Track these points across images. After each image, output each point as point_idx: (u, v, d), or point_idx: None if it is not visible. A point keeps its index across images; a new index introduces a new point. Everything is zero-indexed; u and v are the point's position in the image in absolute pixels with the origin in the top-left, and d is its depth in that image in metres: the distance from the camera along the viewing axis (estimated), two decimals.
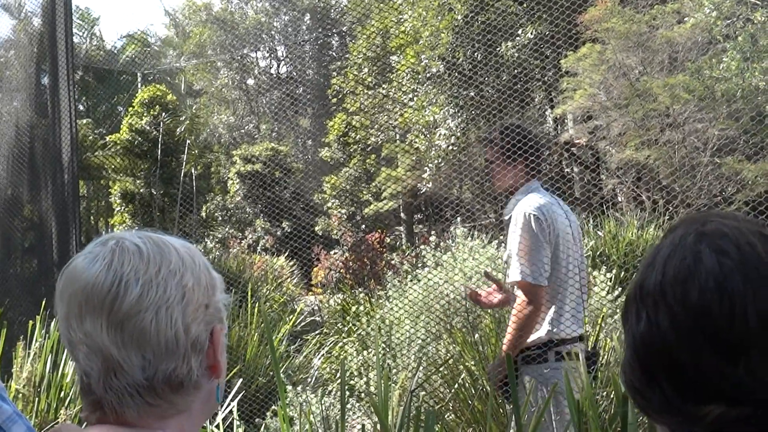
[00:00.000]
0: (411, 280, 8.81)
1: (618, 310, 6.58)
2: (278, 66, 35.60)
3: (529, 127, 4.81)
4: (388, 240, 19.08)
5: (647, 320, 1.18)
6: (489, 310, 6.96)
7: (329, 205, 23.41)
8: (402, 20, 17.63)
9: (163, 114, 23.64)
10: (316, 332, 10.58)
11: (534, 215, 4.23)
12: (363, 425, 4.70)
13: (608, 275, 7.39)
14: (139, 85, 25.56)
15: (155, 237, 1.46)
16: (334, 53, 30.86)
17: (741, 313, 1.09)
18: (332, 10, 32.22)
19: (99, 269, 1.39)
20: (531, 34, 14.44)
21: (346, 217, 22.50)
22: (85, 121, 26.01)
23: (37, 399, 5.90)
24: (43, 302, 6.85)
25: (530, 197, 4.38)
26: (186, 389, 1.40)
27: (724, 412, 1.10)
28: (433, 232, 13.53)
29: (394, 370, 7.08)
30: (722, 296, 1.10)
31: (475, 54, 14.81)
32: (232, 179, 24.21)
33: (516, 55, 14.58)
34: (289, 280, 15.74)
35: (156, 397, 1.38)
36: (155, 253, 1.41)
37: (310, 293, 17.04)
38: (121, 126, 24.50)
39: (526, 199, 4.38)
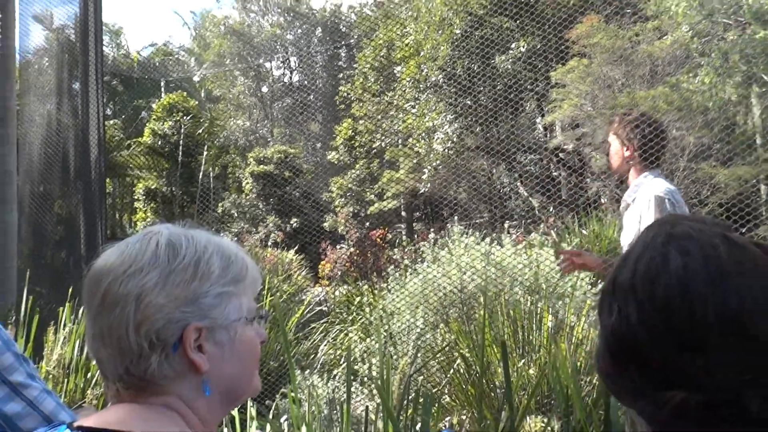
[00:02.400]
0: (410, 274, 8.80)
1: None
2: (291, 75, 35.55)
3: (661, 121, 4.70)
4: (390, 236, 19.08)
5: (618, 313, 1.19)
6: (482, 302, 6.97)
7: (336, 203, 23.38)
8: (405, 34, 17.66)
9: (185, 118, 23.67)
10: (323, 321, 10.56)
11: (668, 198, 4.11)
12: (366, 407, 4.69)
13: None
14: (162, 91, 25.61)
15: (152, 232, 1.41)
16: (342, 63, 30.84)
17: (701, 310, 1.10)
18: (341, 24, 32.23)
19: (97, 263, 1.38)
20: (523, 47, 14.44)
21: (351, 214, 22.49)
22: (112, 122, 26.06)
23: (66, 380, 5.91)
24: (71, 290, 6.88)
25: (657, 181, 4.27)
26: (157, 382, 1.35)
27: (686, 398, 1.11)
28: (431, 230, 13.52)
29: (395, 357, 7.08)
30: (684, 294, 1.12)
31: (472, 65, 14.81)
32: (246, 179, 24.20)
33: (509, 67, 14.58)
34: (298, 272, 15.73)
35: (132, 386, 1.35)
36: (132, 249, 1.37)
37: (318, 285, 17.02)
38: (145, 130, 24.57)
39: (654, 183, 4.26)
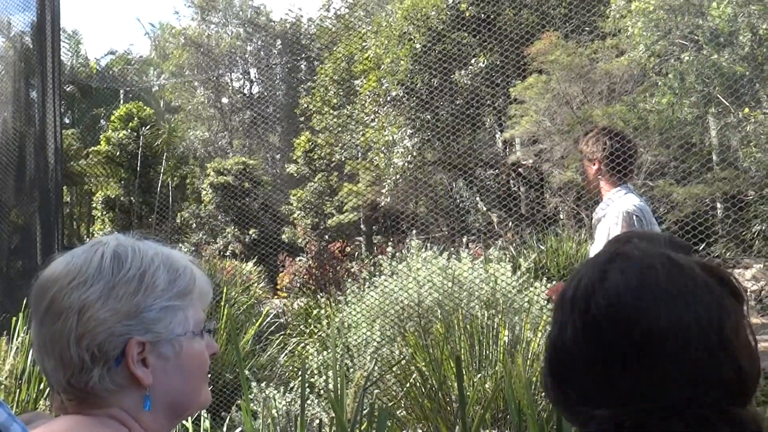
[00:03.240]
0: (369, 287, 8.80)
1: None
2: (251, 87, 35.42)
3: (625, 134, 4.72)
4: (349, 249, 19.06)
5: (558, 328, 1.21)
6: (440, 316, 6.99)
7: (295, 215, 23.32)
8: (366, 48, 17.67)
9: (143, 128, 23.51)
10: (281, 333, 10.51)
11: (636, 215, 4.14)
12: (320, 420, 4.68)
13: (548, 286, 7.45)
14: (121, 100, 25.41)
15: (98, 243, 1.40)
16: (302, 76, 30.80)
17: (626, 329, 1.12)
18: (302, 37, 32.17)
19: (44, 272, 1.37)
20: (483, 63, 14.53)
21: (310, 227, 22.45)
22: (70, 131, 25.80)
23: (18, 390, 5.84)
24: (26, 300, 6.80)
25: (628, 197, 4.29)
26: (96, 395, 1.34)
27: (613, 414, 1.13)
28: (390, 243, 13.54)
29: (352, 370, 7.07)
30: (612, 313, 1.14)
31: (432, 80, 14.87)
32: (205, 190, 24.07)
33: (469, 82, 14.66)
34: (256, 284, 15.65)
35: (76, 395, 1.35)
36: (77, 260, 1.36)
37: (276, 297, 16.95)
38: (101, 139, 24.38)
39: (625, 198, 4.29)
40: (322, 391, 7.10)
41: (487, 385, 5.80)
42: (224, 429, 6.15)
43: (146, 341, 1.35)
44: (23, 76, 9.61)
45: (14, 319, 6.55)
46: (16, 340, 6.28)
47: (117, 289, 1.34)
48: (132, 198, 23.91)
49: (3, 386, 5.80)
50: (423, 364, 6.21)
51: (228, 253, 20.42)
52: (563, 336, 1.20)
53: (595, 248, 4.42)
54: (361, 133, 18.43)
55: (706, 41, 10.85)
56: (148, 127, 23.79)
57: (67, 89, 26.76)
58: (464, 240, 11.20)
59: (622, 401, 1.13)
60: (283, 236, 21.49)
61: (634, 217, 4.16)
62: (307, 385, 6.32)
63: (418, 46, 14.92)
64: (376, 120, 16.99)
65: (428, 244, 9.65)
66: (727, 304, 1.14)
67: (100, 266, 1.35)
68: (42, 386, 5.92)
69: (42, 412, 5.46)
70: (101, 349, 1.32)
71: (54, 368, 1.34)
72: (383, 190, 16.69)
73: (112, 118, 24.66)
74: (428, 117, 15.18)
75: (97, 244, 1.40)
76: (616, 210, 4.25)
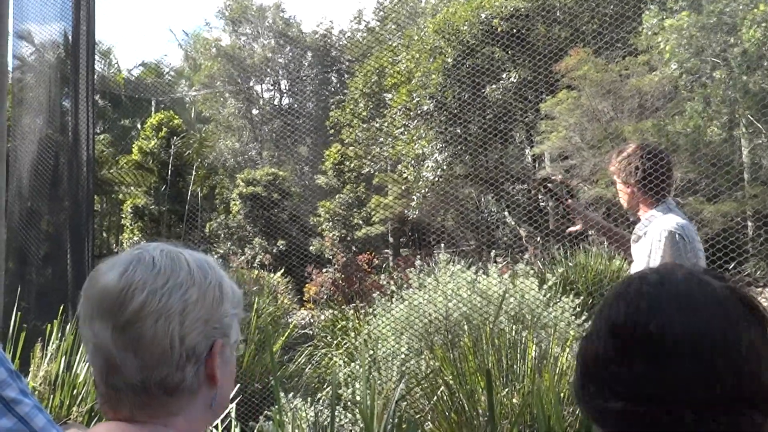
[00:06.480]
0: (396, 300, 8.81)
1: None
2: (281, 98, 35.59)
3: (659, 149, 4.65)
4: (376, 261, 19.07)
5: (591, 329, 1.31)
6: (467, 330, 6.99)
7: (323, 227, 23.37)
8: (397, 61, 17.74)
9: (174, 137, 23.68)
10: (308, 344, 10.54)
11: (678, 234, 4.05)
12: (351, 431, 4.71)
13: (576, 301, 7.43)
14: (153, 110, 25.59)
15: (174, 251, 1.46)
16: (333, 88, 30.92)
17: (640, 330, 1.20)
18: (332, 49, 32.32)
19: (113, 276, 1.40)
20: (514, 78, 14.54)
21: (338, 239, 22.49)
22: (102, 137, 26.03)
23: (51, 396, 5.91)
24: (61, 308, 6.90)
25: (671, 216, 4.21)
26: (180, 394, 1.40)
27: (625, 408, 1.19)
28: (417, 256, 13.54)
29: (379, 382, 7.08)
30: (629, 315, 1.22)
31: (463, 94, 14.90)
32: (234, 200, 24.19)
33: (500, 97, 14.67)
34: (283, 294, 15.70)
35: (148, 398, 1.39)
36: (166, 265, 1.41)
37: (303, 308, 16.99)
38: (133, 148, 24.58)
39: (667, 217, 4.20)
40: (348, 403, 7.12)
41: (514, 400, 5.80)
42: None
43: (223, 344, 1.46)
44: (57, 85, 9.72)
45: (48, 326, 6.64)
46: (50, 347, 6.37)
47: (207, 294, 1.43)
48: (161, 207, 24.07)
49: (37, 392, 5.87)
50: (450, 377, 6.22)
51: (256, 264, 20.47)
52: (591, 336, 1.29)
53: (634, 267, 4.35)
54: (390, 146, 18.48)
55: (737, 64, 10.81)
56: (179, 137, 23.95)
57: (99, 99, 27.04)
58: (492, 254, 11.18)
59: (633, 394, 1.19)
60: (311, 247, 21.54)
61: (677, 236, 4.08)
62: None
63: (449, 60, 14.96)
64: (406, 133, 17.03)
65: (456, 258, 9.65)
66: (740, 318, 1.20)
67: (190, 273, 1.43)
68: (75, 392, 5.99)
69: (74, 422, 5.54)
70: (196, 349, 1.41)
71: (140, 368, 1.38)
72: (412, 203, 16.73)
73: (145, 126, 24.87)
74: (458, 131, 15.20)
75: (172, 252, 1.47)
76: (657, 228, 4.18)
